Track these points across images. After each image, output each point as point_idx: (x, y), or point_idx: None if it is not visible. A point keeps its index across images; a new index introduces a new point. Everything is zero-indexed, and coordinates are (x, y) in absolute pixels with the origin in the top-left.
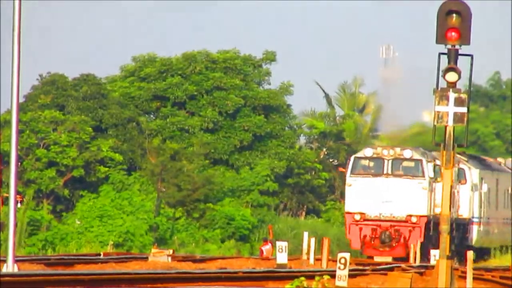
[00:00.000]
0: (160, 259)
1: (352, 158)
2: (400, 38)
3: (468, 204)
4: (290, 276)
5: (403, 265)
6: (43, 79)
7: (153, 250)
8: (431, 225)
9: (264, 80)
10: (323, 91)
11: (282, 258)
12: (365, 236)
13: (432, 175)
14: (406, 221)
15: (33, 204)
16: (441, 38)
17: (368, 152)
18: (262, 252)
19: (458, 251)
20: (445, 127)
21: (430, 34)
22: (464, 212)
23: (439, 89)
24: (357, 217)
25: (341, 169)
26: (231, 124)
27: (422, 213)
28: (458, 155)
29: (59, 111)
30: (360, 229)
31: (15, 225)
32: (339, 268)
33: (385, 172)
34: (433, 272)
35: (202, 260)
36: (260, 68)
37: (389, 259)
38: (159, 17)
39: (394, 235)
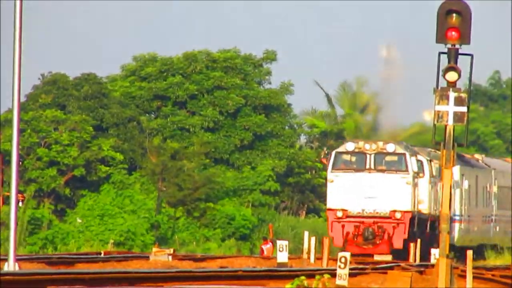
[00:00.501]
0: (161, 258)
1: (333, 153)
2: (400, 38)
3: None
4: (291, 275)
5: (403, 264)
6: (44, 78)
7: (154, 249)
8: (416, 221)
9: (264, 79)
10: (323, 90)
11: (282, 257)
12: (347, 233)
13: (416, 169)
14: (390, 217)
15: (34, 203)
16: (441, 37)
17: (349, 146)
18: (262, 251)
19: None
20: (445, 126)
21: (431, 34)
22: None
23: (439, 88)
24: (339, 214)
25: (323, 160)
26: (231, 123)
27: (406, 209)
28: (438, 151)
29: (60, 111)
30: (343, 226)
31: (16, 224)
32: (339, 267)
33: (367, 167)
34: (433, 271)
35: (203, 259)
36: (260, 68)
37: (387, 258)
38: (160, 16)
39: (377, 232)
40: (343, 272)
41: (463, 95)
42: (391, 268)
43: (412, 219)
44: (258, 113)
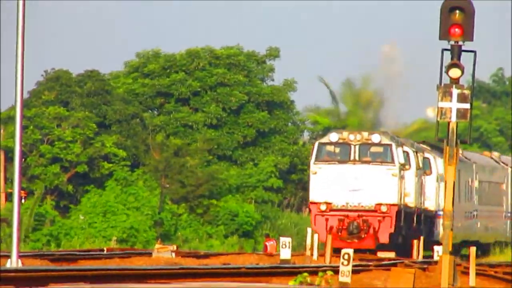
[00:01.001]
0: (164, 255)
1: (316, 144)
2: (403, 34)
3: (434, 196)
4: (294, 272)
5: (406, 261)
6: (47, 75)
7: (157, 246)
8: (402, 215)
9: (267, 76)
10: (327, 87)
11: (285, 253)
12: (331, 228)
13: (402, 161)
14: (375, 211)
15: (39, 201)
16: (444, 34)
17: (333, 137)
18: (266, 247)
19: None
20: (448, 123)
21: (434, 30)
22: (430, 205)
23: (442, 85)
24: (323, 207)
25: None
26: (234, 120)
27: (392, 202)
28: (422, 144)
29: (63, 107)
30: (326, 219)
31: (19, 220)
32: (342, 263)
33: (351, 158)
34: (436, 268)
35: (206, 256)
36: (263, 64)
37: (391, 254)
38: (163, 13)
39: (362, 226)
40: (346, 269)
41: (466, 91)
42: (395, 265)
43: (398, 213)
44: (261, 109)
